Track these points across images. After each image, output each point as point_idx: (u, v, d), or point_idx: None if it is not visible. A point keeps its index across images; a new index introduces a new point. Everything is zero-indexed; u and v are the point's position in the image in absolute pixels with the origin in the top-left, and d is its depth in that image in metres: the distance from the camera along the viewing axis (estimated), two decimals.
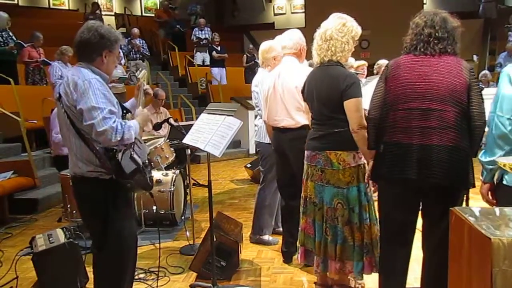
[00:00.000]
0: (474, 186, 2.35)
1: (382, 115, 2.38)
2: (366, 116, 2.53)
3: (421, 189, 2.32)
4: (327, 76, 2.78)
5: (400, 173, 2.30)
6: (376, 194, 2.69)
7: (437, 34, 2.28)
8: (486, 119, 2.24)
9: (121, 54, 8.61)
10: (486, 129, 2.29)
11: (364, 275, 2.88)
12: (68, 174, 4.12)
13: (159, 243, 3.37)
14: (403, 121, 2.29)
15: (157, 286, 3.20)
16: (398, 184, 2.37)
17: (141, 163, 2.33)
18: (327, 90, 2.76)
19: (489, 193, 2.28)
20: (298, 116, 3.26)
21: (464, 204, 3.03)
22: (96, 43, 2.32)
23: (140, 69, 2.82)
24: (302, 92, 3.00)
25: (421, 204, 2.44)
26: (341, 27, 2.76)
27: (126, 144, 2.26)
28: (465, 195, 3.02)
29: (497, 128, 2.11)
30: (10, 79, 6.88)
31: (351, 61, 4.86)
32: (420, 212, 2.46)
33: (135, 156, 2.31)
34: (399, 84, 2.31)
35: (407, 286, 2.76)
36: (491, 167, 2.20)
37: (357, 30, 2.82)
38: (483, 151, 2.22)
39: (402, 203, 2.40)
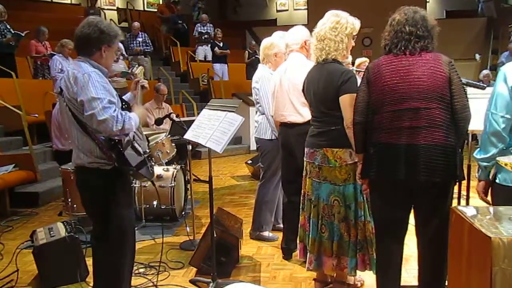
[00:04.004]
0: (463, 179, 2.37)
1: (368, 118, 2.38)
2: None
3: (411, 188, 2.33)
4: (323, 73, 2.78)
5: (389, 174, 2.31)
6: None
7: (418, 32, 2.27)
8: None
9: (122, 49, 8.57)
10: (477, 126, 2.29)
11: (364, 272, 2.89)
12: (69, 168, 4.16)
13: (162, 237, 3.36)
14: (390, 122, 2.28)
15: (157, 281, 3.21)
16: (387, 184, 2.38)
17: (142, 152, 2.42)
18: (323, 87, 2.76)
19: (484, 190, 2.30)
20: (305, 111, 3.26)
21: (464, 204, 3.04)
22: (96, 37, 2.37)
23: (136, 66, 2.87)
24: (303, 90, 3.02)
25: (411, 201, 2.44)
26: (334, 25, 2.75)
27: (127, 134, 2.32)
28: (465, 193, 3.04)
29: (490, 126, 2.14)
30: (12, 73, 6.87)
31: (349, 58, 4.84)
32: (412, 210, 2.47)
33: (136, 145, 2.39)
34: (381, 86, 2.30)
35: (407, 284, 2.77)
36: (485, 164, 2.22)
37: (352, 26, 2.78)
38: (478, 149, 2.24)
39: (392, 203, 2.40)
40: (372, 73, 2.36)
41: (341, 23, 2.75)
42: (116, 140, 2.30)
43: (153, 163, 2.58)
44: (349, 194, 2.77)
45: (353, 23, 2.79)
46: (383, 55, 2.37)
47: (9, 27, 7.39)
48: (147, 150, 2.52)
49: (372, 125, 2.36)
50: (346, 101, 2.65)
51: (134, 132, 2.41)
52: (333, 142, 2.76)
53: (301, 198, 3.03)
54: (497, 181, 2.19)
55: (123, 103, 2.47)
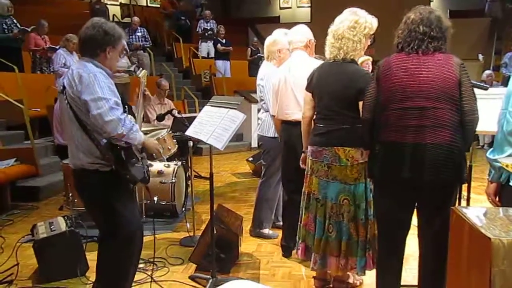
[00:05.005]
0: (466, 181, 2.34)
1: (376, 116, 2.39)
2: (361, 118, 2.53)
3: (415, 187, 2.32)
4: (342, 73, 2.75)
5: (394, 172, 2.30)
6: None
7: (432, 33, 2.26)
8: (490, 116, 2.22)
9: (125, 44, 8.54)
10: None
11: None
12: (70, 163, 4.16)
13: (154, 233, 3.37)
14: (397, 120, 2.28)
15: (151, 274, 3.22)
16: (392, 184, 2.37)
17: (139, 156, 2.42)
18: (341, 87, 2.73)
19: (495, 193, 2.26)
20: None
21: (464, 204, 3.04)
22: (101, 39, 2.37)
23: (140, 68, 2.83)
24: (308, 83, 2.97)
25: (415, 201, 2.44)
26: (353, 25, 2.72)
27: (126, 143, 2.31)
28: (466, 193, 3.04)
29: (508, 124, 2.06)
30: (14, 67, 6.87)
31: None
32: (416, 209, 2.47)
33: (134, 149, 2.39)
34: (391, 84, 2.30)
35: (406, 284, 2.77)
36: (499, 165, 2.15)
37: (370, 26, 2.77)
38: (491, 148, 2.19)
39: (396, 202, 2.40)
40: (382, 70, 2.35)
41: (359, 22, 2.73)
42: (116, 144, 2.30)
43: (149, 168, 2.57)
44: (360, 193, 2.77)
45: (371, 23, 2.78)
46: (395, 53, 2.36)
47: (15, 22, 7.41)
48: (144, 154, 2.51)
49: (379, 123, 2.36)
50: None
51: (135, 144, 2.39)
52: (345, 141, 2.74)
53: (304, 197, 3.00)
54: (510, 183, 2.14)
55: (124, 105, 2.45)
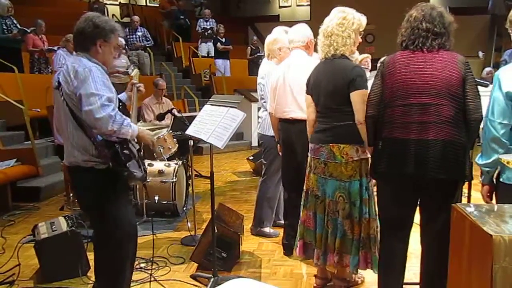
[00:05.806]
0: (472, 179, 2.36)
1: (380, 112, 2.39)
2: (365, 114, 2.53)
3: (419, 184, 2.33)
4: (333, 69, 2.77)
5: (398, 168, 2.31)
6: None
7: (435, 29, 2.28)
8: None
9: (123, 43, 8.51)
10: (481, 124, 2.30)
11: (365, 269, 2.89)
12: None
13: (153, 233, 3.37)
14: (401, 117, 2.29)
15: (150, 275, 3.22)
16: (396, 180, 2.38)
17: (136, 153, 2.39)
18: (333, 83, 2.75)
19: (488, 194, 2.31)
20: None
21: (465, 201, 3.04)
22: (90, 32, 2.33)
23: (132, 68, 2.81)
24: (307, 85, 3.00)
25: (418, 198, 2.45)
26: (341, 21, 2.74)
27: (119, 138, 2.27)
28: (467, 191, 3.04)
29: (490, 132, 2.14)
30: (14, 67, 6.87)
31: (355, 54, 4.84)
32: (418, 207, 2.47)
33: (131, 146, 2.35)
34: (395, 80, 2.31)
35: (407, 281, 2.77)
36: (487, 169, 2.23)
37: (359, 22, 2.78)
38: (479, 154, 2.24)
39: (400, 198, 2.41)
40: (387, 67, 2.37)
41: (347, 19, 2.75)
42: (113, 140, 2.26)
43: (146, 166, 2.55)
44: (354, 190, 2.77)
45: (360, 19, 2.79)
46: (399, 51, 2.37)
47: (15, 22, 7.40)
48: (141, 153, 2.49)
49: (383, 119, 2.37)
50: (358, 98, 2.64)
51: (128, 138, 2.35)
52: (340, 138, 2.75)
53: (303, 194, 3.02)
54: (501, 180, 2.19)
55: (120, 103, 2.43)
